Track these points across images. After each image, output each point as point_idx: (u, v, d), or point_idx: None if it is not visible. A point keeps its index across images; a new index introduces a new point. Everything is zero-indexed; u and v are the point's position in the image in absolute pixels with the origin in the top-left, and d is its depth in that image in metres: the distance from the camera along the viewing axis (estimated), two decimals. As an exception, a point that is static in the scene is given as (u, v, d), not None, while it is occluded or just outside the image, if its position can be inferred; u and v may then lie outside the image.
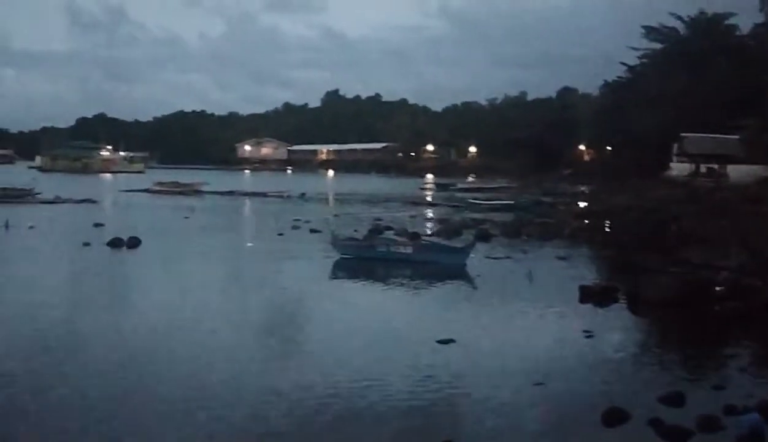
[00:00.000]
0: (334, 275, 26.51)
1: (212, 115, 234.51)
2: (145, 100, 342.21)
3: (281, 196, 71.16)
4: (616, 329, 18.79)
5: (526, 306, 20.94)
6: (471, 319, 19.15)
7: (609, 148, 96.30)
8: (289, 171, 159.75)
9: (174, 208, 55.10)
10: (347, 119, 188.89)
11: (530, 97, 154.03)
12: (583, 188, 73.17)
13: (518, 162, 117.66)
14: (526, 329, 18.36)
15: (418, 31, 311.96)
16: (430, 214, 54.36)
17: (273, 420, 11.65)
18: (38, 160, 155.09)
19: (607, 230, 41.18)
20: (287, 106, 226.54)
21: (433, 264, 27.33)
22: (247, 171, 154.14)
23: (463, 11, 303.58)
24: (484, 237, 35.95)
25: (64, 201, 58.15)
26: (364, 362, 14.77)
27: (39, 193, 60.74)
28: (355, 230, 38.05)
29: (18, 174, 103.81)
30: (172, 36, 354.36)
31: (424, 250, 29.48)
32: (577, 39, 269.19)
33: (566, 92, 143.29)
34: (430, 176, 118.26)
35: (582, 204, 57.28)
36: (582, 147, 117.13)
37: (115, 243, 31.82)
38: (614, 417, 11.93)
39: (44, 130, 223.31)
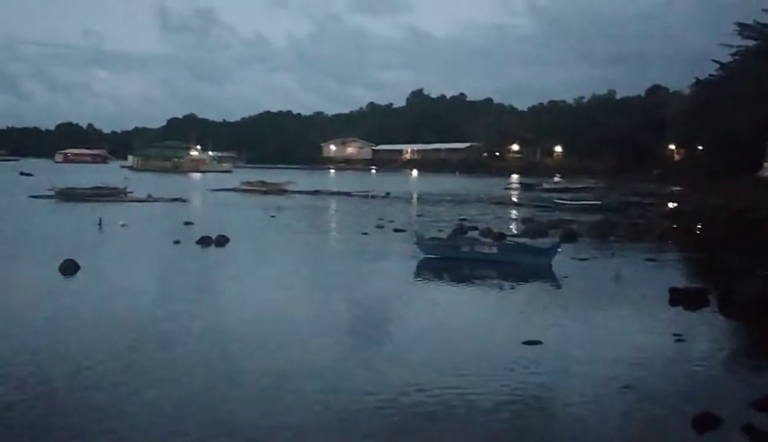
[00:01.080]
0: (418, 275, 26.50)
1: (298, 115, 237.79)
2: (233, 101, 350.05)
3: (366, 196, 71.57)
4: (708, 333, 18.34)
5: (613, 308, 20.62)
6: (557, 320, 18.92)
7: (700, 147, 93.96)
8: (373, 170, 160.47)
9: (261, 207, 56.01)
10: (432, 119, 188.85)
11: (618, 95, 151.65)
12: (673, 188, 71.61)
13: (606, 162, 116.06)
14: (613, 331, 18.08)
15: (505, 30, 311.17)
16: (515, 214, 53.94)
17: (356, 420, 11.66)
18: (130, 160, 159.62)
19: (698, 231, 40.24)
20: (372, 105, 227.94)
21: (518, 265, 27.12)
22: (332, 170, 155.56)
23: (550, 8, 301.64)
24: (570, 238, 35.51)
25: (155, 200, 59.70)
26: (448, 362, 14.73)
27: (131, 192, 62.51)
28: (440, 230, 38.04)
29: (111, 173, 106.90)
30: (259, 37, 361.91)
31: (509, 250, 29.27)
32: (667, 36, 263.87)
33: (656, 90, 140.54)
34: (515, 176, 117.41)
35: (672, 204, 56.11)
36: (672, 146, 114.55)
37: (205, 241, 32.47)
38: (705, 423, 11.64)
39: (136, 130, 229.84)
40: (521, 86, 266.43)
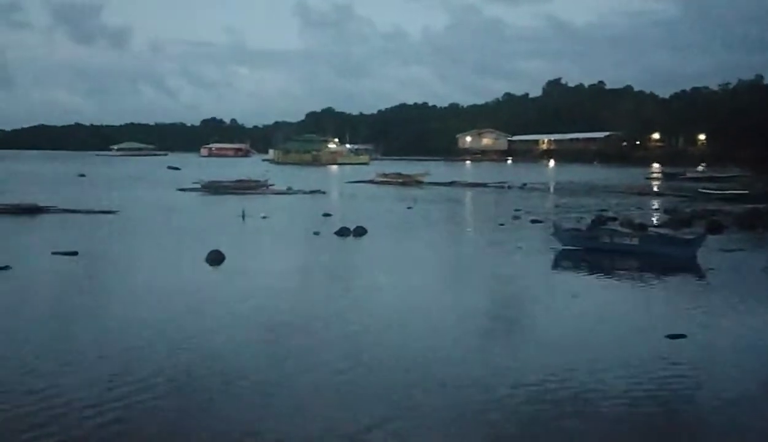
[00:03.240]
0: (557, 266, 26.17)
1: (434, 106, 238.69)
2: (370, 94, 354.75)
3: (502, 187, 71.23)
4: None
5: (763, 301, 19.80)
6: (703, 314, 18.30)
7: None
8: (509, 161, 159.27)
9: (397, 198, 56.49)
10: (569, 108, 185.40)
11: (767, 80, 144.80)
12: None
13: (753, 150, 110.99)
14: (764, 324, 17.35)
15: (646, 15, 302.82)
16: (656, 204, 52.48)
17: (492, 412, 11.58)
18: (271, 153, 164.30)
19: None
20: (508, 96, 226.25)
21: (660, 256, 26.37)
22: (467, 162, 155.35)
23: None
24: (715, 228, 34.24)
25: (295, 192, 61.12)
26: (587, 354, 14.49)
27: (272, 185, 64.26)
28: (578, 221, 37.44)
29: (253, 166, 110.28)
30: (397, 30, 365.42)
31: (651, 241, 28.49)
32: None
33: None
34: (656, 165, 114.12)
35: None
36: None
37: (343, 232, 33.02)
38: None
39: (276, 124, 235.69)
40: (663, 73, 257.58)
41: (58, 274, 23.45)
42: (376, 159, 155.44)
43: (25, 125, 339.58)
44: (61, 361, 13.72)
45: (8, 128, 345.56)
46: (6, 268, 23.16)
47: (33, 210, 42.19)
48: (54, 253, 26.49)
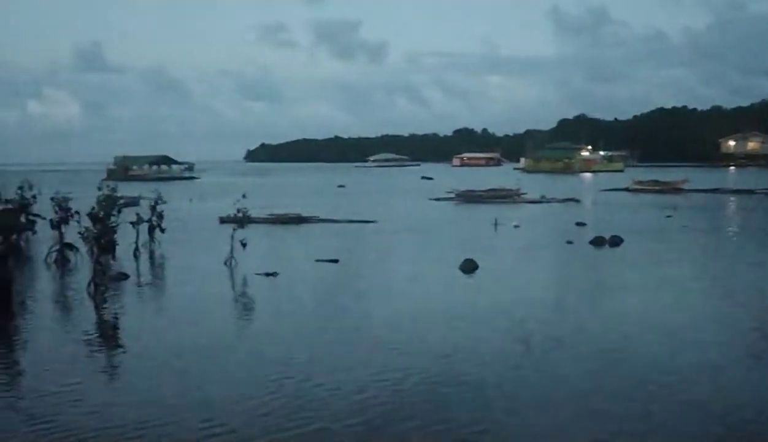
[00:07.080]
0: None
1: (694, 110, 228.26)
2: (624, 99, 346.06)
3: (772, 193, 66.94)
4: None
5: None
6: None
7: None
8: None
9: (655, 206, 54.58)
10: None
11: None
12: None
13: None
14: None
15: None
16: None
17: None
18: (522, 162, 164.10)
19: None
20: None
21: None
22: (731, 167, 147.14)
23: None
24: None
25: (548, 201, 60.62)
26: None
27: (524, 193, 64.06)
28: None
29: (504, 175, 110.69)
30: (654, 32, 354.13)
31: None
32: None
33: None
34: None
35: None
36: None
37: (597, 242, 32.26)
38: None
39: (528, 132, 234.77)
40: None
41: (321, 280, 24.58)
42: (631, 166, 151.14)
43: (290, 139, 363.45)
44: (334, 363, 14.29)
45: (275, 142, 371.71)
46: (274, 274, 24.65)
47: (297, 220, 44.69)
48: (317, 260, 27.85)
